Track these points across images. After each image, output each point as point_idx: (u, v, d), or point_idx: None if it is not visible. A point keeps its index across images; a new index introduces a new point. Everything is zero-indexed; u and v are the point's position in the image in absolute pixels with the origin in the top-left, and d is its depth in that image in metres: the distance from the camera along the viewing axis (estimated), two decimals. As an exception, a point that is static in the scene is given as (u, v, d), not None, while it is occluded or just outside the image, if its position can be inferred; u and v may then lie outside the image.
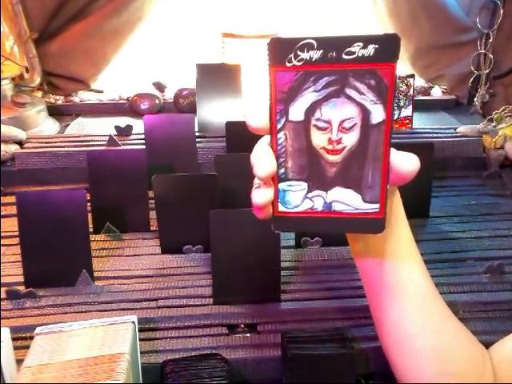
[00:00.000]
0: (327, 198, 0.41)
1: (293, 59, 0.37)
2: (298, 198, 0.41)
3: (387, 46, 0.37)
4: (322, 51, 0.37)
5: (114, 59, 1.14)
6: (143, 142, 0.92)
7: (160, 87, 1.17)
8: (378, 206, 0.41)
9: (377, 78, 0.38)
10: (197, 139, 0.93)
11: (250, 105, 1.04)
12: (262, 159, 0.40)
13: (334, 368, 0.55)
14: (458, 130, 1.02)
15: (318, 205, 0.41)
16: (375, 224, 0.41)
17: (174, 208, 0.74)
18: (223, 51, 1.07)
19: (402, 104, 1.02)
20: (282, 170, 0.41)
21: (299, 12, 1.18)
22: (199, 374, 0.54)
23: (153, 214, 0.79)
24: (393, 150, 0.40)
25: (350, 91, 0.38)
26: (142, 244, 0.78)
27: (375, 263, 0.47)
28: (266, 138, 0.41)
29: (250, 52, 1.04)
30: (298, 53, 0.37)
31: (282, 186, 0.41)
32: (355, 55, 0.37)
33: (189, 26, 1.21)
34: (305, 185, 0.41)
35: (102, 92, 1.19)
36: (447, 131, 1.02)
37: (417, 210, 0.85)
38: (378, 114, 0.39)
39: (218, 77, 0.99)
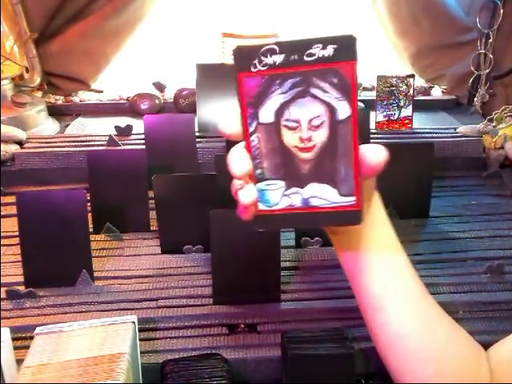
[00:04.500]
0: (304, 194, 0.42)
1: (257, 65, 0.39)
2: (277, 196, 0.42)
3: (345, 46, 0.38)
4: (284, 55, 0.39)
5: (114, 59, 1.14)
6: (143, 142, 0.92)
7: (160, 87, 1.17)
8: (354, 198, 0.42)
9: (338, 76, 0.39)
10: (197, 139, 0.93)
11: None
12: (236, 158, 0.42)
13: (333, 368, 0.55)
14: (458, 130, 1.02)
15: (296, 201, 0.42)
16: (353, 216, 0.42)
17: (174, 208, 0.74)
18: (223, 51, 1.07)
19: (401, 104, 1.02)
20: (259, 171, 0.42)
21: (299, 12, 1.18)
22: (199, 374, 0.54)
23: (153, 214, 0.79)
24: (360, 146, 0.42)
25: (314, 90, 0.40)
26: (142, 244, 0.78)
27: (360, 263, 0.47)
28: (241, 144, 0.43)
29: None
30: (262, 58, 0.39)
31: (259, 185, 0.43)
32: (316, 56, 0.38)
33: (189, 26, 1.22)
34: (282, 183, 0.42)
35: (102, 92, 1.19)
36: (447, 131, 1.03)
37: (417, 210, 0.85)
38: (343, 110, 0.40)
39: (218, 77, 0.99)
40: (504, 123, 1.01)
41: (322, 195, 0.42)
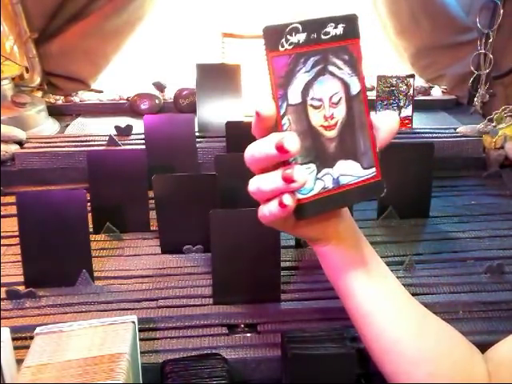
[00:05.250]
0: (334, 173, 0.42)
1: (284, 44, 0.39)
2: (311, 180, 0.42)
3: (351, 24, 0.42)
4: (306, 34, 0.40)
5: (114, 59, 1.14)
6: (143, 142, 0.92)
7: (160, 87, 1.17)
8: (374, 169, 0.44)
9: (348, 53, 0.42)
10: (197, 139, 0.93)
11: (250, 105, 1.04)
12: (288, 135, 0.39)
13: (333, 368, 0.55)
14: (458, 130, 1.02)
15: (329, 183, 0.42)
16: (377, 187, 0.44)
17: (174, 208, 0.74)
18: (223, 51, 1.07)
19: (401, 104, 1.02)
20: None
21: (299, 12, 1.18)
22: (199, 374, 0.54)
23: (153, 214, 0.79)
24: (372, 114, 0.44)
25: (331, 68, 0.41)
26: (142, 244, 0.78)
27: (347, 265, 0.48)
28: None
29: (250, 52, 1.04)
30: (288, 37, 0.39)
31: None
32: (330, 35, 0.41)
33: (189, 26, 1.21)
34: (313, 166, 0.42)
35: (101, 92, 1.19)
36: (447, 131, 1.02)
37: (417, 210, 0.85)
38: (355, 86, 0.42)
39: (218, 77, 0.99)
40: (504, 123, 1.01)
41: (349, 171, 0.43)
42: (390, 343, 0.47)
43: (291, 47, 0.39)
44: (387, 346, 0.48)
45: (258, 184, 0.41)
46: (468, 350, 0.49)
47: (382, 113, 0.44)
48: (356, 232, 0.49)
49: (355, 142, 0.43)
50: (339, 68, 0.41)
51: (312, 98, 0.41)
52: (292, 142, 0.38)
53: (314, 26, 0.40)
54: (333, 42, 0.41)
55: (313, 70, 0.40)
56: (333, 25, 0.41)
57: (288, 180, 0.39)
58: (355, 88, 0.42)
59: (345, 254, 0.48)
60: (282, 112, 0.40)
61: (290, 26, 0.39)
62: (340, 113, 0.42)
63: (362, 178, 0.43)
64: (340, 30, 0.41)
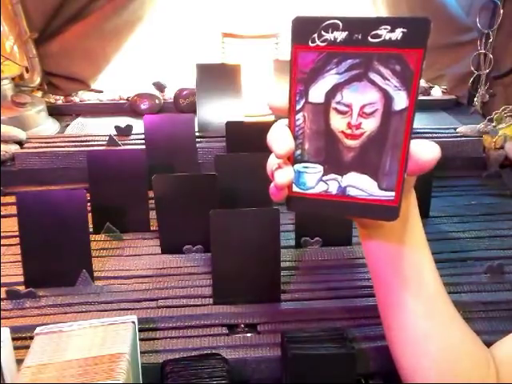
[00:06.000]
0: (342, 182, 0.41)
1: (316, 39, 0.37)
2: (313, 180, 0.41)
3: (416, 31, 0.35)
4: (347, 33, 0.36)
5: (113, 59, 1.14)
6: (143, 142, 0.92)
7: (160, 87, 1.17)
8: (393, 193, 0.40)
9: (402, 64, 0.36)
10: (197, 139, 0.93)
11: (249, 104, 1.04)
12: (281, 138, 0.39)
13: (334, 368, 0.55)
14: (458, 130, 1.02)
15: (333, 188, 0.41)
16: (389, 212, 0.40)
17: (174, 208, 0.74)
18: (223, 51, 1.07)
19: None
20: (299, 152, 0.41)
21: (299, 12, 1.18)
22: (199, 373, 0.54)
23: (153, 214, 0.79)
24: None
25: (373, 75, 0.37)
26: (142, 244, 0.78)
27: (391, 257, 0.46)
28: (282, 121, 0.41)
29: (250, 52, 1.04)
30: (323, 33, 0.36)
31: (297, 167, 0.41)
32: (381, 38, 0.36)
33: (189, 26, 1.22)
34: (320, 168, 0.41)
35: (101, 92, 1.19)
36: (447, 131, 1.02)
37: (417, 210, 0.85)
38: (400, 101, 0.37)
39: (218, 77, 0.99)
40: (504, 123, 1.01)
41: (360, 186, 0.40)
42: (419, 336, 0.46)
43: (324, 44, 0.36)
44: (414, 338, 0.47)
45: (267, 162, 0.42)
46: (484, 352, 0.49)
47: (421, 141, 0.40)
48: (411, 226, 0.46)
49: (379, 160, 0.39)
50: (384, 78, 0.37)
51: (338, 102, 0.38)
52: (279, 148, 0.39)
53: (359, 26, 0.36)
54: (383, 47, 0.36)
55: (347, 74, 0.37)
56: (388, 27, 0.35)
57: (271, 175, 0.40)
58: (400, 104, 0.37)
59: (390, 246, 0.46)
60: (298, 108, 0.39)
61: (328, 22, 0.36)
62: (370, 125, 0.38)
63: (375, 198, 0.40)
64: (398, 34, 0.35)
